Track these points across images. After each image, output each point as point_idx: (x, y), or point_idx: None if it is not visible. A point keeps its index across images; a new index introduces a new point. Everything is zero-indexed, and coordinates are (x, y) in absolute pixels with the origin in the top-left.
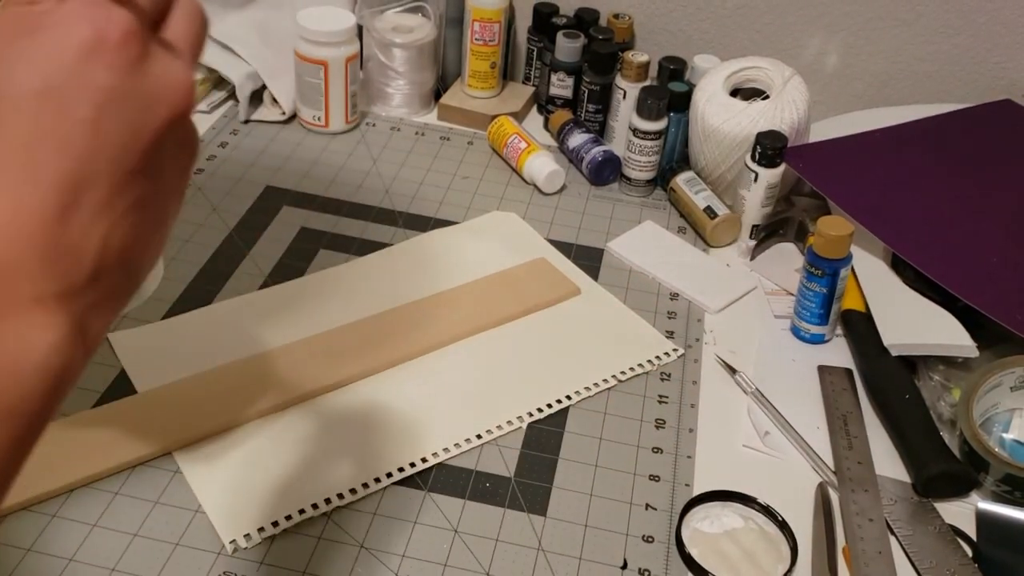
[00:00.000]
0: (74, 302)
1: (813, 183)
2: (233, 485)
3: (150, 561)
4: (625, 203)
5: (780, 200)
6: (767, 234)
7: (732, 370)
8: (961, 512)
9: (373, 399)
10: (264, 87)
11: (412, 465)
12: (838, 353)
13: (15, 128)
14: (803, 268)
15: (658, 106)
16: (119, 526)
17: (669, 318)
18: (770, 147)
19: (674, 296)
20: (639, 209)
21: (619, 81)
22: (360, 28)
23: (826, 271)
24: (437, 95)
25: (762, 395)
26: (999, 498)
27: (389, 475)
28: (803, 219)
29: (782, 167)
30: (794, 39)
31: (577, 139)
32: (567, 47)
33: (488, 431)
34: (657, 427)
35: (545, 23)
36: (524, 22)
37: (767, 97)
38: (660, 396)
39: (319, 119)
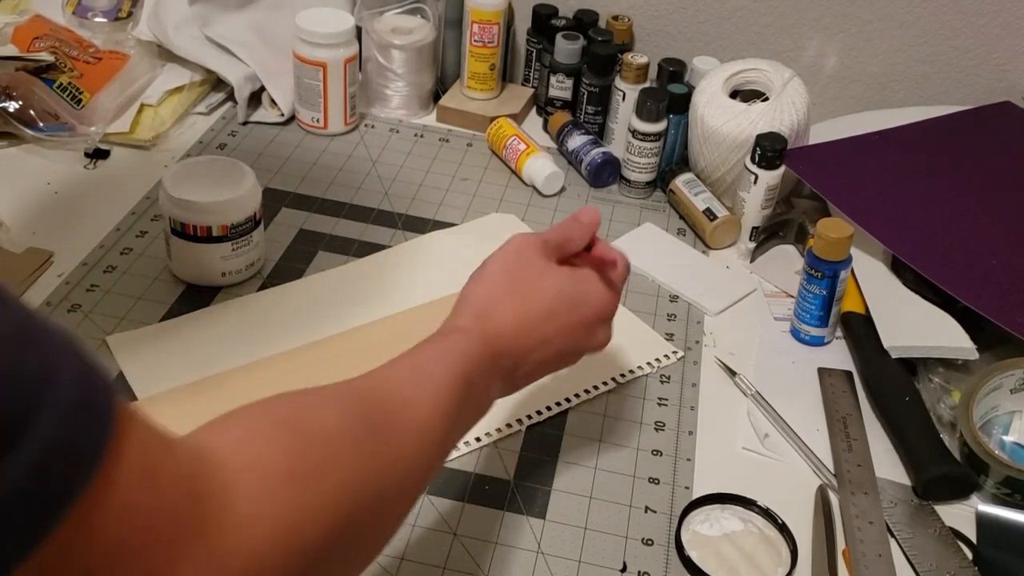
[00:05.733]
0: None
1: (813, 185)
2: None
3: None
4: (624, 205)
5: (780, 202)
6: (767, 236)
7: (732, 372)
8: (961, 515)
9: None
10: (263, 89)
11: None
12: (838, 355)
13: (547, 299)
14: (803, 270)
15: (657, 108)
16: None
17: (669, 320)
18: (770, 149)
19: (674, 298)
20: (638, 211)
21: (618, 83)
22: (359, 29)
23: (826, 273)
24: (436, 97)
25: (762, 397)
26: (999, 501)
27: None
28: (803, 221)
29: (782, 169)
30: (793, 41)
31: (576, 141)
32: (566, 49)
33: (487, 434)
34: (657, 429)
35: (544, 25)
36: (523, 24)
37: (767, 99)
38: (660, 398)
39: (318, 121)
